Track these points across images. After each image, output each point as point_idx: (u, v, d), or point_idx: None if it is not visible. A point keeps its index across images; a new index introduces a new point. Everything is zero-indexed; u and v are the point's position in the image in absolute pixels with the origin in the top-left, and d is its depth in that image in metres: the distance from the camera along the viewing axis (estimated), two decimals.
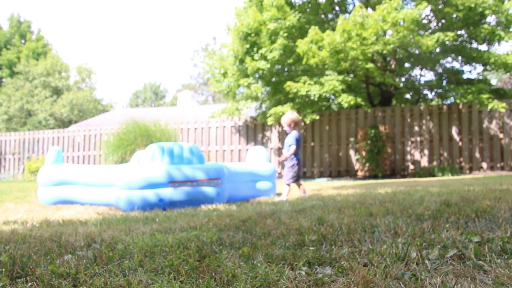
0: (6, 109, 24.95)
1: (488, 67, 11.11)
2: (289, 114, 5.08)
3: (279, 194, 5.58)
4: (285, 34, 10.55)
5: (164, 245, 1.81)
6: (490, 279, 1.20)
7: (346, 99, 9.91)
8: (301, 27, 10.85)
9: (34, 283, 1.38)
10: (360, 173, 10.92)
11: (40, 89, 25.49)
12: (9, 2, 56.50)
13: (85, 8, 71.19)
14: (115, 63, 71.95)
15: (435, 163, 10.41)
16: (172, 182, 4.15)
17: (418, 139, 10.63)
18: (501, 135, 9.98)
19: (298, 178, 4.96)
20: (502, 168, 9.91)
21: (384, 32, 10.41)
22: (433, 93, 12.58)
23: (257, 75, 11.06)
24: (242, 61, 11.10)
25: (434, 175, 9.87)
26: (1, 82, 28.07)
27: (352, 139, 11.08)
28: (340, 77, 10.16)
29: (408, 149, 10.71)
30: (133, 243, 1.90)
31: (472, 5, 9.79)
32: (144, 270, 1.45)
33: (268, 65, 10.56)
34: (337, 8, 12.43)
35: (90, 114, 26.79)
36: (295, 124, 5.03)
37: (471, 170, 10.15)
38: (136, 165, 4.31)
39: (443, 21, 11.06)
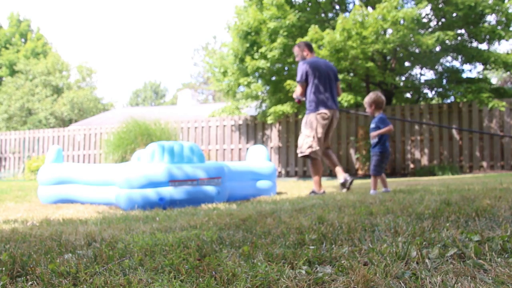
0: (6, 108, 24.92)
1: (488, 66, 11.10)
2: (370, 94, 4.70)
3: (279, 193, 5.58)
4: (285, 33, 10.54)
5: (164, 244, 1.81)
6: (490, 278, 1.20)
7: (346, 98, 9.91)
8: (301, 26, 10.84)
9: (34, 282, 1.38)
10: (360, 172, 10.92)
11: (41, 88, 25.44)
12: (8, 1, 56.48)
13: (85, 7, 71.16)
14: (116, 62, 71.95)
15: (435, 162, 10.41)
16: (173, 181, 4.15)
17: (418, 138, 10.62)
18: (501, 134, 9.98)
19: (380, 170, 4.46)
20: (502, 167, 9.91)
21: (384, 31, 10.40)
22: (433, 92, 12.57)
23: (257, 74, 11.05)
24: (242, 60, 11.09)
25: (434, 174, 9.86)
26: (1, 81, 28.04)
27: (352, 138, 11.07)
28: (340, 76, 10.15)
29: (408, 148, 10.71)
30: (133, 242, 1.90)
31: (472, 4, 9.77)
32: (144, 269, 1.45)
33: (268, 64, 10.55)
34: (337, 7, 12.41)
35: (90, 113, 26.76)
36: (376, 106, 4.60)
37: (471, 169, 10.15)
38: (136, 164, 4.31)
39: (443, 20, 11.05)
